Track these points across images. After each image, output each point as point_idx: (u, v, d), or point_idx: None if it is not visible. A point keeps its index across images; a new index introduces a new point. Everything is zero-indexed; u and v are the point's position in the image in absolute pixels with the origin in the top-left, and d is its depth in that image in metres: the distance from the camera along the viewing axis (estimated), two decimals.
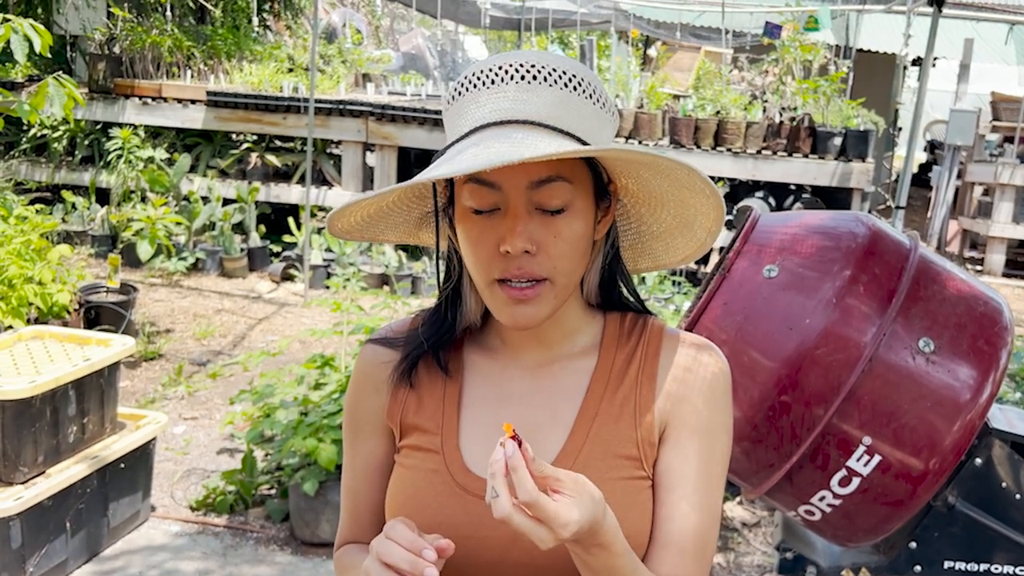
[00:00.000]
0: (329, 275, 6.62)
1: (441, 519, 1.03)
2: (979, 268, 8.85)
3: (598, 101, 1.02)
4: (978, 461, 1.97)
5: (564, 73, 0.99)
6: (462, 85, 1.01)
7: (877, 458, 1.85)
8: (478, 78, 1.00)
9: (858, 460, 1.85)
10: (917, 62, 11.40)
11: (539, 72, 0.98)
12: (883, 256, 1.99)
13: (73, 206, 7.47)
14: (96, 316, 5.29)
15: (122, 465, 3.33)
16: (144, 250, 6.17)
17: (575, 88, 0.99)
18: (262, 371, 4.45)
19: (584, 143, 0.99)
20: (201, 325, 5.99)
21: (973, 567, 2.01)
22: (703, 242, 1.12)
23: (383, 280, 6.73)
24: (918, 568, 2.04)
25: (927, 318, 1.94)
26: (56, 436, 3.07)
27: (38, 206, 5.64)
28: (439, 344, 1.11)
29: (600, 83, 1.04)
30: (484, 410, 1.09)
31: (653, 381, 1.06)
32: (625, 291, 1.12)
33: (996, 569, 1.99)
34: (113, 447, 3.28)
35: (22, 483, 2.96)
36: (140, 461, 3.45)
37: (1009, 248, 8.82)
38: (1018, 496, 1.98)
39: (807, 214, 2.21)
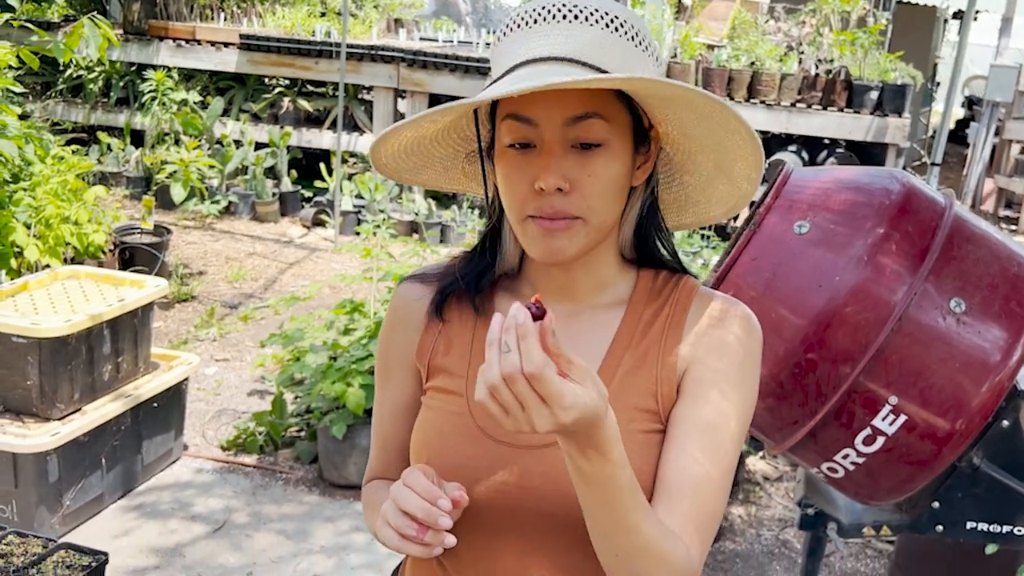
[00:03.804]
0: (359, 221, 6.65)
1: (461, 461, 1.04)
2: (1013, 228, 8.70)
3: (640, 43, 1.01)
4: (1005, 423, 1.95)
5: (606, 14, 1.00)
6: (507, 26, 1.03)
7: (903, 418, 1.84)
8: (522, 18, 1.01)
9: (883, 419, 1.85)
10: (958, 15, 11.08)
11: (580, 12, 0.99)
12: (917, 214, 1.96)
13: (108, 147, 7.53)
14: (131, 257, 5.37)
15: (155, 404, 3.40)
16: (177, 193, 6.22)
17: (616, 29, 0.99)
18: (292, 315, 4.51)
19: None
20: (233, 268, 6.05)
21: (996, 528, 2.01)
22: (745, 191, 1.10)
23: (412, 228, 6.75)
24: (940, 528, 2.04)
25: (959, 278, 1.92)
26: (91, 374, 3.14)
27: (74, 147, 5.68)
28: (475, 284, 1.11)
29: (644, 25, 1.03)
30: None
31: (678, 337, 1.06)
32: (661, 246, 1.11)
33: (1019, 531, 1.99)
34: (146, 386, 3.35)
35: (59, 419, 3.04)
36: (173, 401, 3.53)
37: None
38: None
39: (839, 169, 2.18)
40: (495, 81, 1.00)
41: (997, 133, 9.19)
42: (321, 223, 7.13)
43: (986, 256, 1.94)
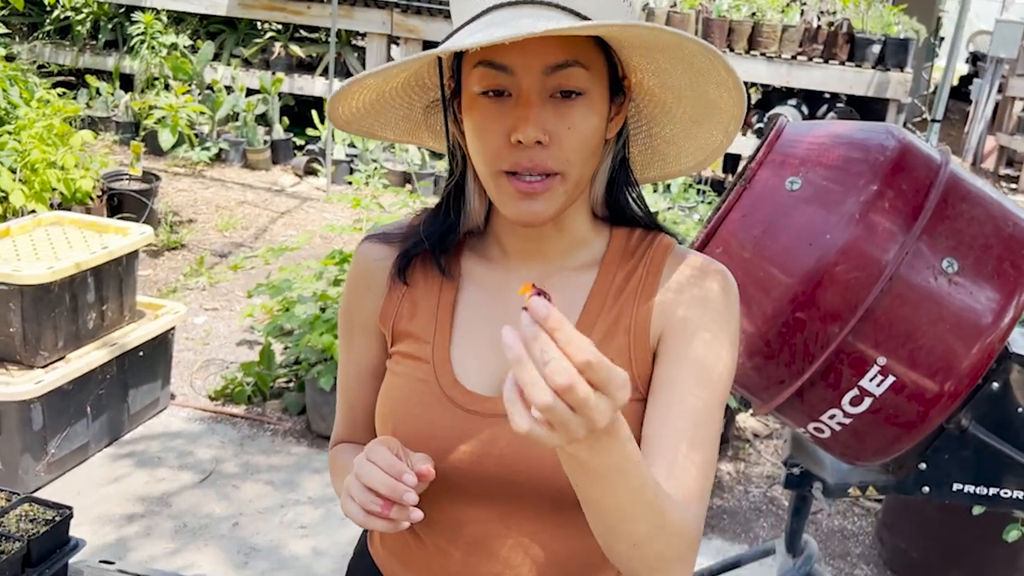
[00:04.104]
0: (352, 171, 6.58)
1: (429, 431, 1.01)
2: (1014, 186, 8.65)
3: None
4: (995, 385, 1.93)
5: None
6: None
7: (891, 379, 1.82)
8: None
9: (871, 380, 1.83)
10: None
11: None
12: (911, 171, 1.91)
13: (97, 91, 7.41)
14: (119, 204, 5.30)
15: (141, 353, 3.38)
16: (166, 139, 6.14)
17: None
18: (282, 265, 4.47)
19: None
20: (223, 217, 5.99)
21: (982, 490, 2.00)
22: (718, 144, 1.05)
23: (405, 178, 6.68)
24: (926, 489, 2.03)
25: (952, 237, 1.88)
26: (75, 322, 3.11)
27: (61, 90, 5.59)
28: (439, 245, 1.06)
29: None
30: (478, 321, 1.05)
31: (651, 297, 1.01)
32: (633, 203, 1.06)
33: (1005, 493, 1.98)
34: (132, 335, 3.32)
35: (43, 367, 3.01)
36: (159, 350, 3.50)
37: None
38: None
39: (835, 124, 2.13)
40: (464, 25, 0.94)
41: (1000, 90, 9.08)
42: (313, 172, 7.05)
43: (981, 215, 1.90)
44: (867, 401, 1.84)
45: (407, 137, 1.12)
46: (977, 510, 2.32)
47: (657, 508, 0.83)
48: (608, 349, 1.00)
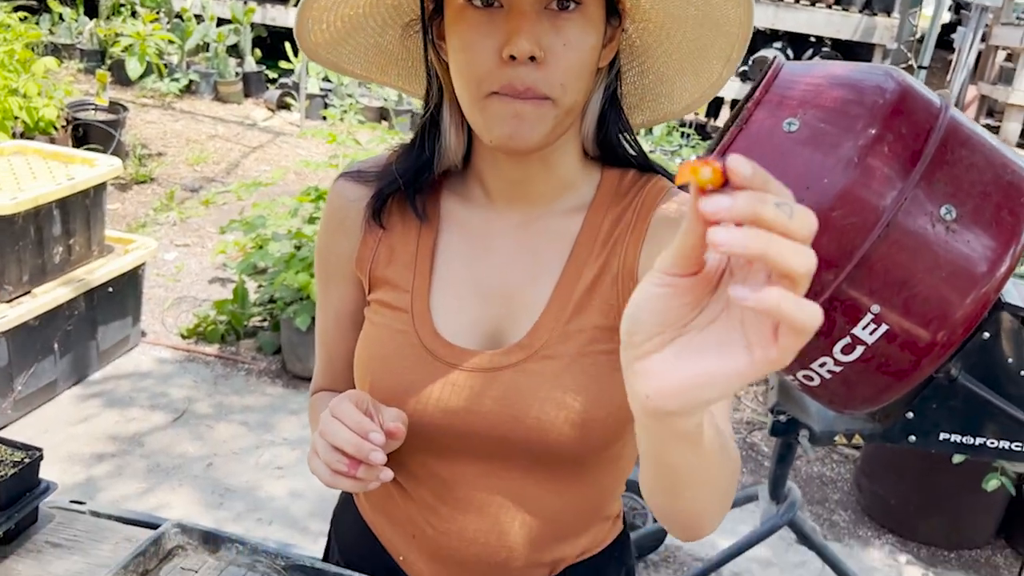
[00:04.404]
0: (326, 105, 6.43)
1: (407, 385, 0.94)
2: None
3: None
4: (986, 335, 1.91)
5: None
6: None
7: (884, 327, 1.78)
8: None
9: (864, 328, 1.79)
10: None
11: None
12: (911, 115, 1.86)
13: (60, 17, 7.15)
14: (84, 135, 5.14)
15: (110, 289, 3.28)
16: (133, 68, 5.94)
17: None
18: (255, 201, 4.36)
19: None
20: (194, 150, 5.84)
21: (968, 440, 1.99)
22: (717, 78, 0.97)
23: (382, 114, 6.54)
24: (913, 438, 2.02)
25: (951, 184, 1.83)
26: (41, 256, 3.01)
27: (22, 14, 5.37)
28: (415, 184, 0.98)
29: None
30: (459, 268, 0.98)
31: (639, 243, 0.93)
32: (625, 142, 0.98)
33: (991, 443, 1.97)
34: (100, 270, 3.23)
35: (7, 302, 2.92)
36: (129, 286, 3.41)
37: None
38: (1021, 372, 1.93)
39: (833, 64, 2.07)
40: None
41: (983, 39, 9.01)
42: (286, 106, 6.88)
43: (980, 162, 1.85)
44: (859, 349, 1.80)
45: (378, 73, 1.03)
46: (957, 458, 2.32)
47: (735, 452, 0.80)
48: (596, 300, 0.93)
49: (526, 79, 0.83)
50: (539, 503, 0.97)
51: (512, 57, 0.82)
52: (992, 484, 2.40)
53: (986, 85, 9.02)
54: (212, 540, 1.03)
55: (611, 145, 0.97)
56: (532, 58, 0.83)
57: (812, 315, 0.48)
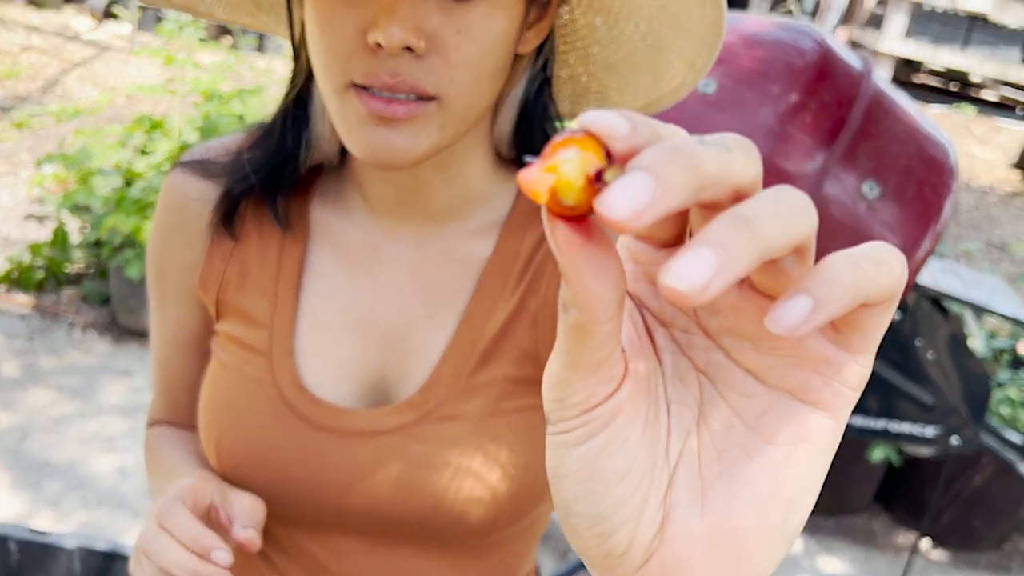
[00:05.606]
0: (161, 19, 5.83)
1: (264, 449, 0.74)
2: None
3: None
4: (896, 316, 1.84)
5: None
6: None
7: None
8: None
9: None
10: None
11: None
12: (834, 81, 1.75)
13: None
14: None
15: None
16: None
17: None
18: (78, 128, 3.87)
19: None
20: (4, 63, 5.21)
21: (871, 423, 1.93)
22: (677, 84, 0.74)
23: (225, 30, 6.00)
24: None
25: (874, 158, 1.74)
26: None
27: None
28: (274, 183, 0.75)
29: None
30: (332, 297, 0.76)
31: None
32: None
33: (894, 427, 1.92)
34: None
35: None
36: None
37: (896, 66, 8.78)
38: (929, 355, 1.87)
39: (748, 20, 1.92)
40: None
41: None
42: (114, 15, 6.23)
43: (903, 134, 1.76)
44: None
45: (243, 16, 0.78)
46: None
47: None
48: (508, 347, 0.74)
49: (399, 71, 0.62)
50: None
51: (379, 45, 0.61)
52: (876, 455, 2.38)
53: (856, 30, 9.16)
54: None
55: (534, 148, 0.75)
56: (409, 48, 0.61)
57: (895, 259, 0.28)
